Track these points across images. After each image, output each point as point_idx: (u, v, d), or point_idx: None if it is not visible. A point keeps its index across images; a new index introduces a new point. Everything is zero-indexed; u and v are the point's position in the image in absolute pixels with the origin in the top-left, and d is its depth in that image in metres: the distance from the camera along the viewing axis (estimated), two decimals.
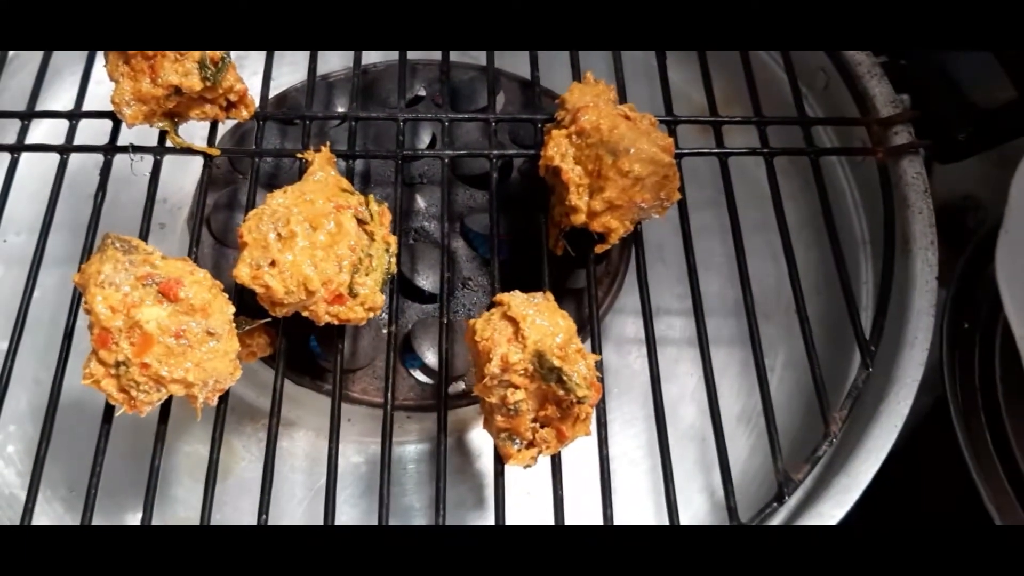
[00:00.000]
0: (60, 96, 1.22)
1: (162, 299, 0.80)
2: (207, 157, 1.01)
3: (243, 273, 0.82)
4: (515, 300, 0.82)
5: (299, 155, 0.98)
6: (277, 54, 1.09)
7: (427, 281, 1.05)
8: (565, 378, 0.78)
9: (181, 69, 0.93)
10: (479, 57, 1.14)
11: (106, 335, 0.79)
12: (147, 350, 0.78)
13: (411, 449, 1.08)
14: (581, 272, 1.07)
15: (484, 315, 0.83)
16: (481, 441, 1.09)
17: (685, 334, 1.17)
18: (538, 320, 0.80)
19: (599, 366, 0.83)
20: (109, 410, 0.87)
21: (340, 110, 1.18)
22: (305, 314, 0.85)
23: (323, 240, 0.83)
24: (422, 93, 1.22)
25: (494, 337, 0.80)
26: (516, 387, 0.79)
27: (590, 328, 0.93)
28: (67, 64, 1.22)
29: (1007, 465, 1.00)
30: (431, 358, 1.01)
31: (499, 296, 0.84)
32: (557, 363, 0.78)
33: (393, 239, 0.90)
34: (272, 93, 1.09)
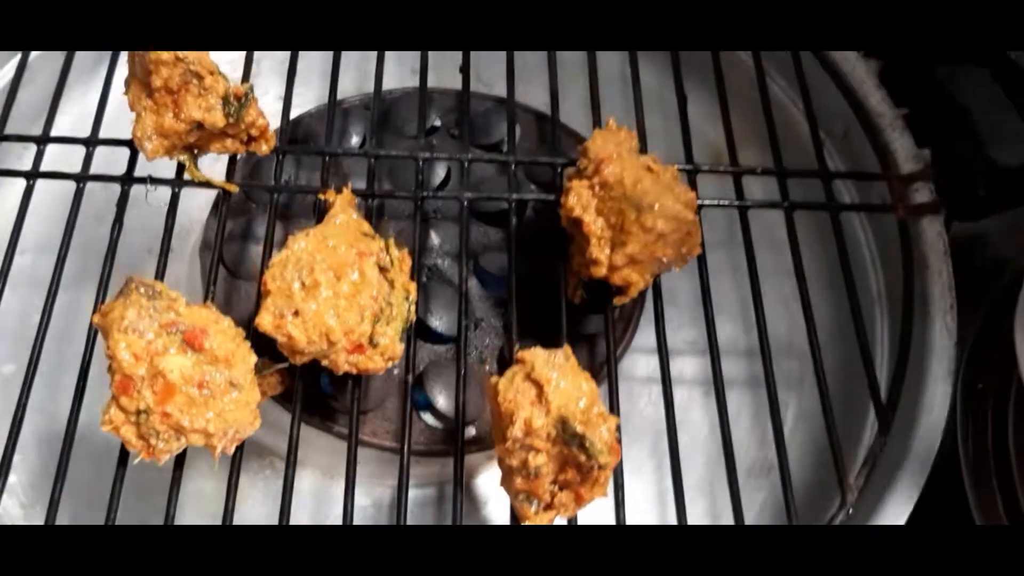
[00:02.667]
0: (70, 110, 1.23)
1: (186, 348, 0.81)
2: (224, 192, 1.02)
3: (266, 322, 0.84)
4: (538, 360, 0.83)
5: (320, 195, 0.99)
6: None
7: (441, 322, 1.07)
8: (588, 444, 0.79)
9: (204, 104, 0.94)
10: (496, 86, 1.15)
11: (128, 382, 0.80)
12: (169, 399, 0.80)
13: (413, 494, 1.09)
14: (592, 317, 1.09)
15: (507, 374, 0.84)
16: (487, 488, 1.11)
17: (697, 379, 1.18)
18: (562, 384, 0.81)
19: (618, 427, 0.84)
20: (124, 454, 0.87)
21: (356, 139, 1.20)
22: (324, 363, 0.87)
23: (346, 290, 0.85)
24: (437, 123, 1.23)
25: (517, 399, 0.81)
26: (538, 450, 0.81)
27: (608, 385, 0.94)
28: (79, 78, 1.22)
29: None
30: (443, 402, 1.03)
31: (521, 354, 0.85)
32: (580, 429, 0.79)
33: (413, 286, 0.91)
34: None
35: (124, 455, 0.88)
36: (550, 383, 0.81)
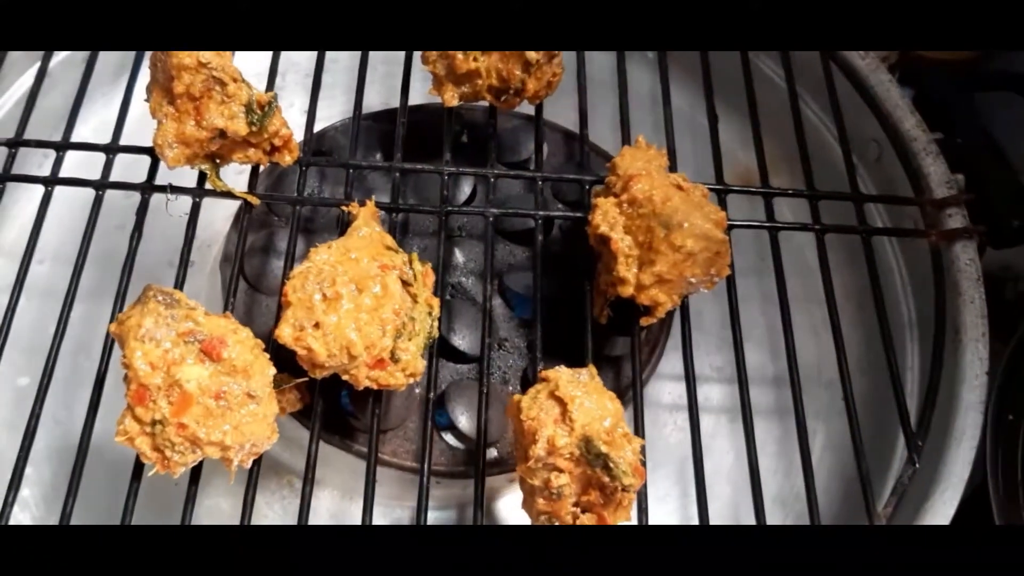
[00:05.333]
0: (91, 119, 1.22)
1: (204, 358, 0.80)
2: (246, 203, 1.00)
3: (285, 334, 0.82)
4: (562, 379, 0.82)
5: (343, 207, 0.97)
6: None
7: (464, 341, 1.05)
8: (612, 465, 0.77)
9: (227, 112, 0.93)
10: (524, 103, 1.13)
11: (144, 392, 0.78)
12: (185, 410, 0.78)
13: (433, 516, 1.08)
14: (618, 340, 1.07)
15: (530, 392, 0.83)
16: (508, 511, 1.09)
17: (723, 407, 1.17)
18: (586, 403, 0.80)
19: (643, 449, 0.83)
20: (139, 467, 0.86)
21: (380, 155, 1.19)
22: (345, 377, 0.85)
23: (368, 303, 0.83)
24: (464, 139, 1.22)
25: (540, 417, 0.80)
26: (560, 471, 0.79)
27: (634, 408, 0.93)
28: (100, 86, 1.22)
29: None
30: (464, 423, 1.01)
31: (545, 372, 0.84)
32: (604, 449, 0.78)
33: (436, 301, 0.90)
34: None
35: (139, 468, 0.86)
36: (574, 401, 0.80)
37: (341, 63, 1.28)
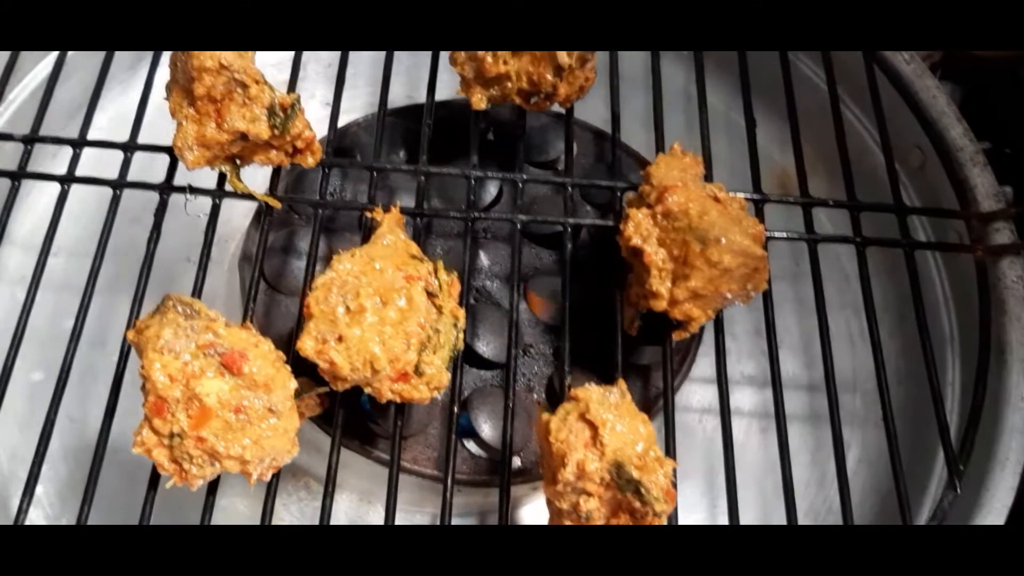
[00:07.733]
0: (108, 109, 1.23)
1: (224, 371, 0.81)
2: (267, 205, 1.01)
3: (307, 346, 0.83)
4: (592, 399, 0.82)
5: (367, 212, 0.98)
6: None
7: (488, 348, 1.06)
8: (643, 491, 0.78)
9: (249, 115, 0.93)
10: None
11: (162, 404, 0.79)
12: (204, 424, 0.79)
13: (453, 523, 1.08)
14: (648, 347, 1.07)
15: (559, 412, 0.83)
16: (530, 520, 1.11)
17: (753, 414, 1.17)
18: (618, 427, 0.80)
19: (674, 471, 0.83)
20: (156, 476, 0.87)
21: (403, 153, 1.19)
22: (368, 390, 0.86)
23: (393, 316, 0.84)
24: (490, 137, 1.22)
25: (570, 440, 0.80)
26: (589, 495, 0.80)
27: (665, 423, 0.93)
28: (117, 76, 1.22)
29: None
30: (488, 431, 1.02)
31: (575, 391, 0.84)
32: (636, 475, 0.78)
33: (461, 312, 0.90)
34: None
35: (155, 477, 0.87)
36: (605, 425, 0.80)
37: (364, 55, 1.28)
